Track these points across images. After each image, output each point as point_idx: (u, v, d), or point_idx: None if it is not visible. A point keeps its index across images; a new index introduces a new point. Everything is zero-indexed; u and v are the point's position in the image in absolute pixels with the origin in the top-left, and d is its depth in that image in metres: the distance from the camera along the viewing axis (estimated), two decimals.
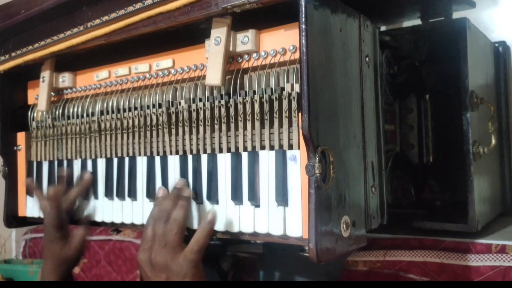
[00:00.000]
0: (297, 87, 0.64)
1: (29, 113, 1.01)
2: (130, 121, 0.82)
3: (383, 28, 0.96)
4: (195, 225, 0.72)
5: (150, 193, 0.78)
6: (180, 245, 0.68)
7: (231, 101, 0.69)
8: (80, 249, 0.86)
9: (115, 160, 0.84)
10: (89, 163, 0.89)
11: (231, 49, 0.68)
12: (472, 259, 0.83)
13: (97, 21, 0.77)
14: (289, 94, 0.64)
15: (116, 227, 0.87)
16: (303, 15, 0.57)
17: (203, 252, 0.67)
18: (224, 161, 0.69)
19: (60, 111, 0.94)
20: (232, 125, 0.69)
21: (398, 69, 0.91)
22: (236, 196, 0.67)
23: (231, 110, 0.69)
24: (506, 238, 0.84)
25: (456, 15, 0.88)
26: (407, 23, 0.96)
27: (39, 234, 1.54)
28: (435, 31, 0.90)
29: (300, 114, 0.60)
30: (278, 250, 0.89)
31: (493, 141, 0.91)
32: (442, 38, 0.91)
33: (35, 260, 1.50)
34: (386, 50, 0.84)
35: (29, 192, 0.98)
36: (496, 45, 1.08)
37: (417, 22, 0.92)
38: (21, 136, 1.02)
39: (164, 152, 0.77)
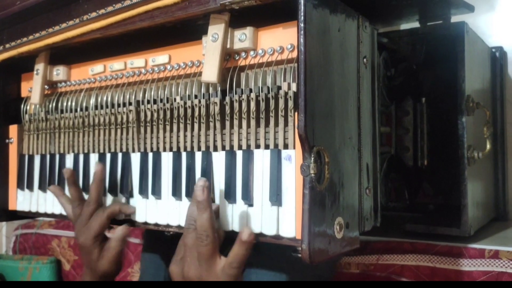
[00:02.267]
0: (294, 86, 0.63)
1: (22, 105, 0.99)
2: (125, 117, 0.81)
3: (381, 30, 0.96)
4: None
5: (143, 189, 0.77)
6: (213, 256, 0.62)
7: (227, 98, 0.69)
8: (116, 262, 0.78)
9: (108, 156, 0.83)
10: (82, 157, 0.88)
11: (228, 46, 0.67)
12: (465, 264, 0.83)
13: (93, 14, 0.76)
14: (286, 93, 0.63)
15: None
16: (302, 14, 0.57)
17: (242, 269, 0.62)
18: (218, 159, 0.69)
19: (54, 104, 0.93)
20: (228, 123, 0.69)
21: (395, 72, 0.91)
22: (230, 194, 0.67)
23: (227, 107, 0.69)
24: (499, 244, 0.84)
25: (454, 19, 0.88)
26: (405, 26, 0.95)
27: (30, 230, 1.52)
28: (433, 35, 0.90)
29: (296, 113, 0.59)
30: (267, 251, 0.88)
31: (488, 146, 0.91)
32: (440, 42, 0.91)
33: (25, 256, 1.49)
34: (383, 52, 0.84)
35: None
36: (493, 50, 1.08)
37: (416, 24, 0.92)
38: (13, 129, 1.01)
39: (158, 149, 0.77)
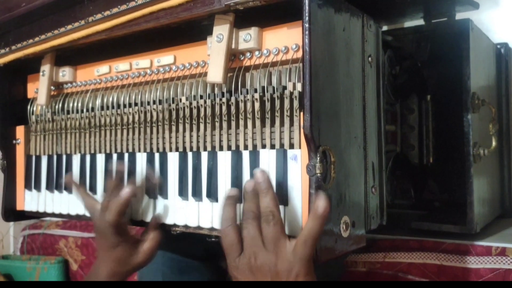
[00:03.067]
0: (299, 86, 0.63)
1: (29, 106, 1.00)
2: (130, 117, 0.82)
3: (385, 28, 0.96)
4: (195, 223, 0.72)
5: (149, 189, 0.78)
6: (282, 237, 0.57)
7: (233, 99, 0.69)
8: (153, 254, 0.78)
9: (115, 156, 0.84)
10: (88, 158, 0.88)
11: (233, 46, 0.68)
12: (472, 262, 0.83)
13: (99, 15, 0.77)
14: (291, 93, 0.63)
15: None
16: (306, 14, 0.57)
17: (314, 245, 0.56)
18: (224, 159, 0.69)
19: (60, 105, 0.94)
20: (233, 123, 0.69)
21: (400, 69, 0.91)
22: None
23: (232, 108, 0.69)
24: (506, 241, 0.84)
25: (459, 16, 0.88)
26: (410, 23, 0.95)
27: (37, 230, 1.53)
28: (438, 32, 0.90)
29: (301, 113, 0.60)
30: None
31: (494, 143, 0.91)
32: (444, 39, 0.91)
33: (33, 256, 1.50)
34: (388, 50, 0.84)
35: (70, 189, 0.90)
36: (498, 46, 1.08)
37: (420, 22, 0.91)
38: (20, 130, 1.01)
39: (164, 149, 0.77)
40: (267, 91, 0.66)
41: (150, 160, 0.78)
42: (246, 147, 0.67)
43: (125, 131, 0.83)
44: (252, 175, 0.65)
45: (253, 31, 0.66)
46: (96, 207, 0.78)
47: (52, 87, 0.94)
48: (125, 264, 0.77)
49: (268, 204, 0.59)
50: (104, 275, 0.77)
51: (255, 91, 0.67)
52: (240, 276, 0.60)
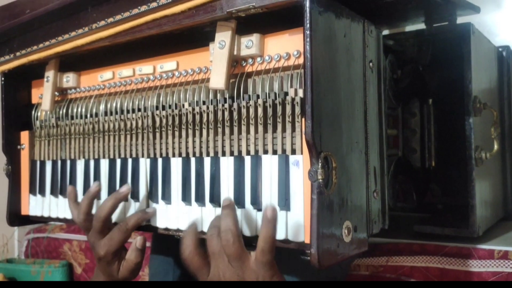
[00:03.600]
0: (300, 92, 0.64)
1: (33, 112, 1.01)
2: (134, 123, 0.82)
3: (386, 32, 0.96)
4: (198, 228, 0.73)
5: (153, 195, 0.79)
6: (243, 253, 0.62)
7: (235, 104, 0.69)
8: (132, 273, 0.80)
9: (118, 161, 0.85)
10: (92, 163, 0.89)
11: (235, 53, 0.68)
12: (474, 265, 0.83)
13: (102, 22, 0.78)
14: (293, 99, 0.64)
15: None
16: (307, 21, 0.57)
17: (274, 252, 0.61)
18: (227, 164, 0.70)
19: (64, 111, 0.94)
20: (236, 129, 0.69)
21: (402, 74, 0.91)
22: (239, 199, 0.67)
23: (235, 113, 0.69)
24: (509, 244, 0.84)
25: (460, 19, 0.88)
26: (411, 28, 0.95)
27: (41, 234, 1.54)
28: (439, 36, 0.90)
29: (303, 119, 0.60)
30: (278, 254, 0.88)
31: (496, 147, 0.91)
32: (446, 43, 0.91)
33: (37, 260, 1.51)
34: (389, 55, 0.84)
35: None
36: (500, 49, 1.08)
37: (421, 26, 0.92)
38: (24, 135, 1.02)
39: (167, 154, 0.78)
40: (269, 97, 0.66)
41: (153, 166, 0.79)
42: (248, 153, 0.68)
43: (128, 137, 0.83)
44: (254, 180, 0.66)
45: (255, 37, 0.67)
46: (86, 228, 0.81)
47: (56, 93, 0.95)
48: (113, 277, 0.80)
49: (227, 226, 0.62)
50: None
51: (257, 97, 0.67)
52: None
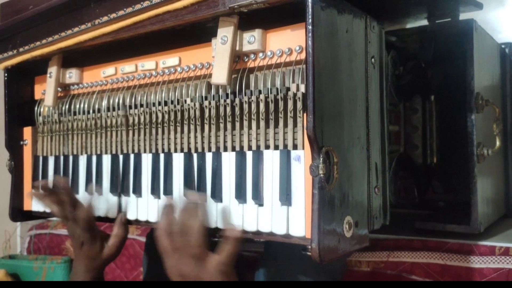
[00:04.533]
0: (302, 88, 0.64)
1: (36, 108, 1.01)
2: (136, 118, 0.83)
3: (389, 28, 0.96)
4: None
5: (155, 190, 0.79)
6: (206, 255, 0.66)
7: (237, 100, 0.70)
8: (119, 249, 0.86)
9: (121, 157, 0.85)
10: (95, 159, 0.89)
11: (237, 48, 0.68)
12: (476, 261, 0.83)
13: (105, 18, 0.78)
14: (295, 94, 0.64)
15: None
16: (310, 16, 0.57)
17: (232, 263, 0.66)
18: (228, 159, 0.70)
19: (67, 106, 0.95)
20: (237, 124, 0.70)
21: (404, 70, 0.92)
22: (240, 194, 0.68)
23: (237, 109, 0.70)
24: (510, 241, 0.84)
25: (462, 16, 0.88)
26: (413, 24, 0.95)
27: (44, 230, 1.55)
28: (442, 32, 0.90)
29: (305, 114, 0.60)
30: (279, 249, 0.89)
31: (498, 143, 0.91)
32: (448, 39, 0.91)
33: (40, 256, 1.51)
34: (392, 51, 0.85)
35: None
36: (503, 46, 1.08)
37: (424, 22, 0.92)
38: (27, 131, 1.02)
39: (169, 150, 0.78)
40: (270, 93, 0.66)
41: (155, 161, 0.79)
42: (250, 148, 0.68)
43: (130, 132, 0.84)
44: (256, 175, 0.66)
45: (257, 33, 0.67)
46: (67, 211, 0.84)
47: (59, 89, 0.95)
48: (96, 259, 0.84)
49: (196, 228, 0.66)
50: (82, 272, 0.84)
51: (259, 92, 0.68)
52: (174, 279, 0.68)
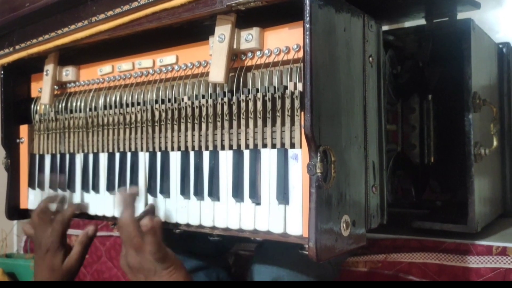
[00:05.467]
0: (300, 86, 0.64)
1: (32, 106, 1.01)
2: (133, 116, 0.82)
3: (386, 27, 0.96)
4: (196, 222, 0.73)
5: (152, 188, 0.79)
6: (143, 245, 0.69)
7: (234, 98, 0.69)
8: (79, 260, 0.86)
9: (117, 155, 0.85)
10: (91, 157, 0.89)
11: (235, 46, 0.68)
12: (473, 261, 0.83)
13: (102, 15, 0.77)
14: (292, 93, 0.64)
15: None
16: (307, 14, 0.57)
17: (164, 248, 0.70)
18: (226, 158, 0.70)
19: (63, 104, 0.94)
20: (235, 123, 0.69)
21: (401, 69, 0.91)
22: (237, 193, 0.67)
23: (234, 107, 0.69)
24: (507, 240, 0.84)
25: (460, 15, 0.88)
26: (411, 23, 0.95)
27: None
28: (439, 32, 0.90)
29: (302, 113, 0.60)
30: (270, 251, 0.88)
31: (495, 143, 0.91)
32: (446, 39, 0.91)
33: None
34: (389, 50, 0.84)
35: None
36: (500, 46, 1.08)
37: (422, 22, 0.92)
38: (24, 129, 1.02)
39: (166, 148, 0.78)
40: (268, 91, 0.66)
41: (152, 160, 0.79)
42: (247, 147, 0.68)
43: (127, 131, 0.83)
44: (253, 173, 0.66)
45: (254, 31, 0.67)
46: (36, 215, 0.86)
47: (55, 87, 0.95)
48: (57, 271, 0.85)
49: (125, 221, 0.71)
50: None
51: (257, 91, 0.67)
52: (123, 269, 0.73)
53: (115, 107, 0.85)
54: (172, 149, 0.77)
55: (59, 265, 0.84)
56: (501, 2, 1.20)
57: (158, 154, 0.78)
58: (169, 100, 0.77)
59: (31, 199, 1.00)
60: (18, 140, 1.02)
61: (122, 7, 0.74)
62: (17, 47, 0.92)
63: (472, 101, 0.85)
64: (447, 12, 0.88)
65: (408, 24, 0.97)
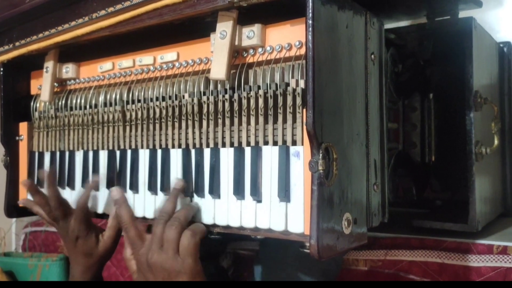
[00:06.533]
0: (302, 83, 0.63)
1: (32, 103, 1.00)
2: (133, 114, 0.82)
3: (388, 26, 0.96)
4: (197, 220, 0.72)
5: (152, 186, 0.78)
6: (177, 243, 0.68)
7: (236, 95, 0.69)
8: (115, 242, 0.85)
9: (118, 153, 0.84)
10: (91, 154, 0.88)
11: (236, 43, 0.68)
12: (473, 260, 0.83)
13: (102, 12, 0.77)
14: (294, 90, 0.63)
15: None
16: (310, 11, 0.57)
17: (198, 255, 0.68)
18: (227, 155, 0.69)
19: (63, 102, 0.94)
20: (236, 120, 0.69)
21: (403, 67, 0.91)
22: (238, 191, 0.67)
23: (235, 104, 0.69)
24: (508, 239, 0.84)
25: (462, 14, 0.88)
26: (413, 21, 0.95)
27: (39, 228, 1.54)
28: (441, 30, 0.90)
29: (304, 110, 0.60)
30: (274, 247, 0.88)
31: (496, 142, 0.91)
32: (447, 37, 0.91)
33: (35, 253, 1.50)
34: (391, 48, 0.84)
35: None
36: (501, 45, 1.07)
37: (423, 20, 0.91)
38: (23, 126, 1.02)
39: (167, 145, 0.77)
40: (270, 88, 0.66)
41: (152, 157, 0.78)
42: (248, 144, 0.68)
43: (128, 128, 0.83)
44: (254, 171, 0.66)
45: (256, 28, 0.67)
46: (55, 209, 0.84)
47: (55, 84, 0.95)
48: (92, 256, 0.84)
49: (180, 213, 0.70)
50: (79, 273, 0.84)
51: (258, 87, 0.67)
52: (141, 267, 0.71)
53: (116, 104, 0.85)
54: (173, 147, 0.76)
55: (93, 249, 0.84)
56: (502, 1, 1.20)
57: (159, 152, 0.78)
58: (170, 97, 0.77)
59: (30, 197, 1.00)
60: (17, 138, 1.02)
61: (123, 3, 0.74)
62: (17, 43, 0.92)
63: (473, 100, 0.84)
64: (449, 11, 0.88)
65: (409, 22, 0.97)
